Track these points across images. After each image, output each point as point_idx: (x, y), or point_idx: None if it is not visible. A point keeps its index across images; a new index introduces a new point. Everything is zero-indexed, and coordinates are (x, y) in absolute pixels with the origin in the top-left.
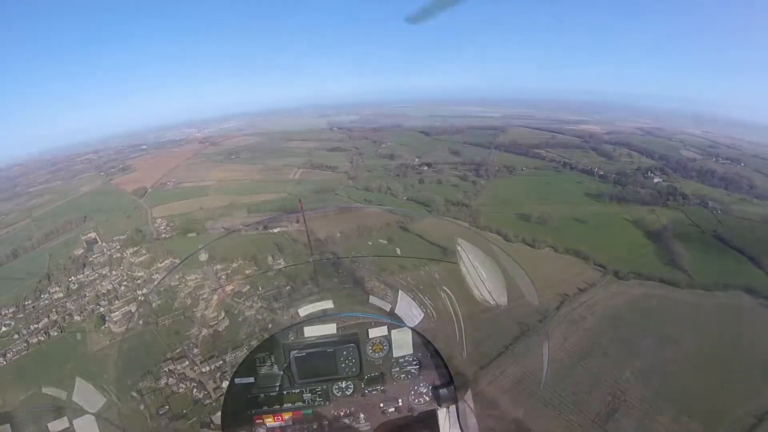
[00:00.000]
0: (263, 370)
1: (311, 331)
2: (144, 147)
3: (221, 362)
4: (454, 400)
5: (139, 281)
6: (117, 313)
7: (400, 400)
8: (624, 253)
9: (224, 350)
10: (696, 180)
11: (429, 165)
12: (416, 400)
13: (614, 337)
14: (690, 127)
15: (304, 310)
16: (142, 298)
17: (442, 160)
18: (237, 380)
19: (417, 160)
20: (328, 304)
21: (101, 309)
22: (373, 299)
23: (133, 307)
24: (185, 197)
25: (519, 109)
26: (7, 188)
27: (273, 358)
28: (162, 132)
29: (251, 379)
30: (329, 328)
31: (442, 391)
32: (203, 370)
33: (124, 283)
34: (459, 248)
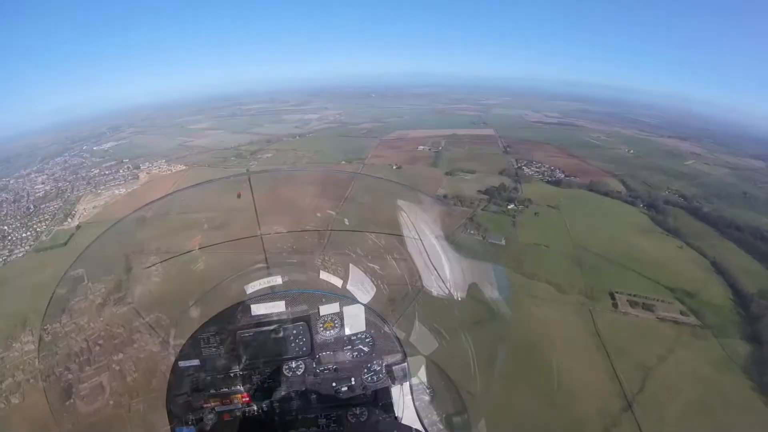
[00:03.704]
0: (208, 352)
1: (258, 309)
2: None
3: None
4: (408, 377)
5: (117, 341)
6: (85, 385)
7: (353, 379)
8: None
9: None
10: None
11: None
12: (369, 379)
13: None
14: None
15: (250, 287)
16: (117, 367)
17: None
18: (181, 363)
19: None
20: (276, 281)
21: (70, 376)
22: (323, 274)
23: (104, 378)
24: None
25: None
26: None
27: (219, 339)
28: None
29: (196, 362)
30: (278, 306)
31: (396, 368)
32: None
33: (99, 341)
34: (402, 216)
